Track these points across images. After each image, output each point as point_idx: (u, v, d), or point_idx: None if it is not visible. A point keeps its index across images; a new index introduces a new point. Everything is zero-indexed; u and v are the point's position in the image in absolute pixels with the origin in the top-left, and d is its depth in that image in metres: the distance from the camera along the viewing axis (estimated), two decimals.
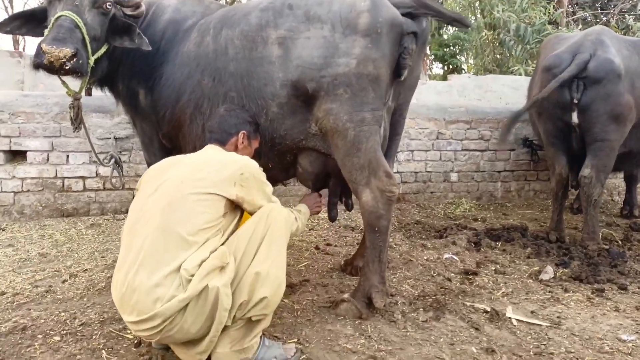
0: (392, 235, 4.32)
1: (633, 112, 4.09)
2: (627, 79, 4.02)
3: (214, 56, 2.69)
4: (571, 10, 10.50)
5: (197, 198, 1.97)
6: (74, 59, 2.41)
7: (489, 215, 5.40)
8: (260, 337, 2.11)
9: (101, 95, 3.38)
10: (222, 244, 2.02)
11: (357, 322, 2.54)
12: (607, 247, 4.04)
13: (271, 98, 2.59)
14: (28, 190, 4.71)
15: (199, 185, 1.99)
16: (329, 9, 2.54)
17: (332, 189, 3.04)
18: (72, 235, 4.23)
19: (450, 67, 11.91)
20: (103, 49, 2.74)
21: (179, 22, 2.94)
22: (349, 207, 3.18)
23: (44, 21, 2.65)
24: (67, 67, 2.40)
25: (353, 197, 3.11)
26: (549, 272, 3.40)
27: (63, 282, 3.11)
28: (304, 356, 2.19)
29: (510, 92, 7.01)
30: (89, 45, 2.57)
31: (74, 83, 2.76)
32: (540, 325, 2.58)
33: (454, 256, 3.72)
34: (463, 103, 6.50)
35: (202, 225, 1.95)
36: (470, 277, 3.31)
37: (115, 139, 4.87)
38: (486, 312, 2.70)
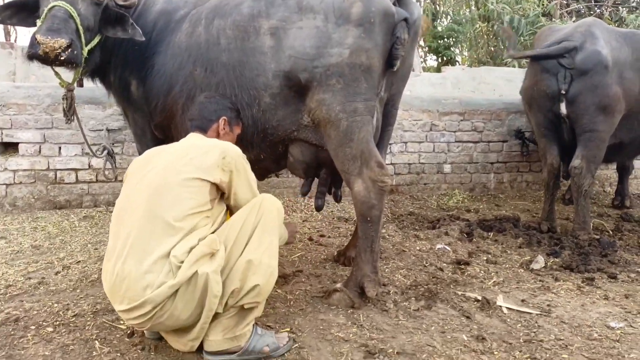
0: (386, 226, 4.34)
1: (622, 104, 4.12)
2: (615, 71, 4.04)
3: (206, 46, 2.68)
4: (565, 2, 10.50)
5: (181, 184, 1.98)
6: (69, 50, 2.39)
7: (481, 207, 5.43)
8: (253, 325, 2.12)
9: (93, 87, 3.35)
10: (213, 233, 2.03)
11: (349, 311, 2.56)
12: (597, 237, 4.08)
13: (263, 89, 2.59)
14: (20, 183, 4.69)
15: (183, 171, 2.00)
16: None
17: (323, 179, 3.04)
18: (65, 227, 4.22)
19: (445, 59, 11.89)
20: (96, 40, 2.72)
21: (170, 13, 2.92)
22: (338, 199, 3.18)
23: (36, 11, 2.62)
24: (62, 58, 2.38)
25: (342, 188, 3.12)
26: (540, 261, 3.43)
27: (56, 273, 3.10)
28: (297, 345, 2.20)
29: (504, 84, 7.04)
30: (82, 35, 2.55)
31: (67, 74, 2.74)
32: (531, 313, 2.61)
33: (446, 247, 3.75)
34: (457, 95, 6.51)
35: (189, 210, 1.95)
36: (462, 266, 3.33)
37: (108, 130, 4.84)
38: (477, 300, 2.73)
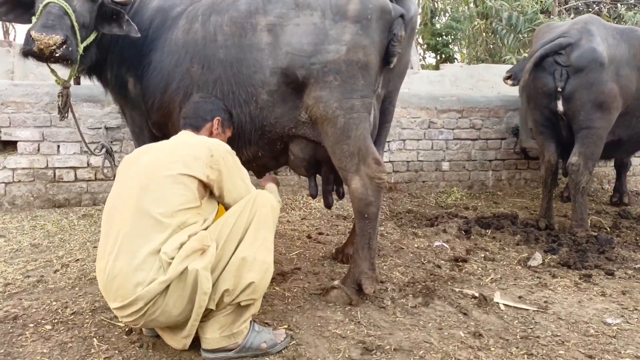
0: (384, 223, 4.35)
1: (618, 100, 4.11)
2: (611, 68, 4.04)
3: (203, 43, 2.67)
4: None
5: (170, 180, 1.98)
6: (64, 46, 2.39)
7: (480, 204, 5.43)
8: (250, 322, 2.12)
9: (91, 85, 3.34)
10: (205, 230, 2.02)
11: (347, 308, 2.56)
12: (595, 234, 4.08)
13: (261, 85, 2.58)
14: (19, 181, 4.68)
15: (171, 168, 2.00)
16: None
17: (325, 177, 3.04)
18: (63, 225, 4.21)
19: (443, 56, 11.88)
20: (92, 37, 2.72)
21: (167, 10, 2.91)
22: (340, 195, 3.19)
23: (32, 8, 2.61)
24: (56, 55, 2.38)
25: (344, 185, 3.12)
26: (537, 258, 3.43)
27: (55, 272, 3.10)
28: (294, 342, 2.21)
29: (502, 81, 7.01)
30: (78, 32, 2.54)
31: (63, 72, 2.74)
32: (528, 309, 2.61)
33: (444, 244, 3.75)
34: (455, 92, 6.51)
35: (177, 206, 1.95)
36: (460, 264, 3.34)
37: (107, 128, 4.84)
38: (474, 297, 2.73)
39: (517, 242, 3.89)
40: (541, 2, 9.23)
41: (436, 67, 9.70)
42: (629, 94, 4.17)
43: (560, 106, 4.13)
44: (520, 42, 8.68)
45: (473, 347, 2.19)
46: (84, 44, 2.63)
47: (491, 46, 9.90)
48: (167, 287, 1.86)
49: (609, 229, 4.40)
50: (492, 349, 2.18)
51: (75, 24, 2.52)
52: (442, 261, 3.39)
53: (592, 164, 4.18)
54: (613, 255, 3.56)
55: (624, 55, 4.13)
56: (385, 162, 5.60)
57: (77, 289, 2.83)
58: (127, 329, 2.29)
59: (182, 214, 1.96)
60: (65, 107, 2.86)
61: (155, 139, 3.05)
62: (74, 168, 4.83)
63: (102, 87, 3.23)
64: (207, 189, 2.09)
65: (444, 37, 11.80)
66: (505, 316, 2.53)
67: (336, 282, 2.70)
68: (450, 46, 12.13)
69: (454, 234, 4.03)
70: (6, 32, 14.16)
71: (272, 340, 2.12)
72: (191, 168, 2.01)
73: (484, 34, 9.83)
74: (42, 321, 2.39)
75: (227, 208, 2.17)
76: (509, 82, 5.25)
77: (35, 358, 2.07)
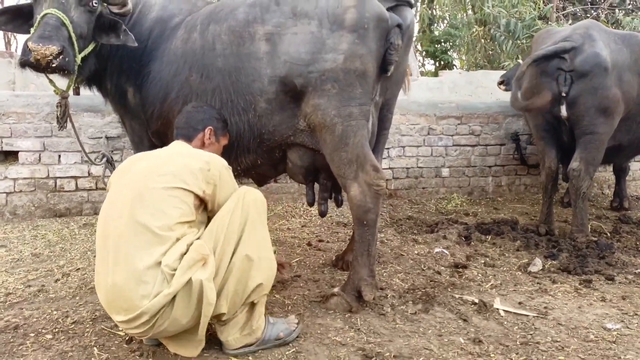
0: (384, 230, 4.35)
1: (621, 106, 4.12)
2: (614, 73, 4.05)
3: (202, 52, 2.69)
4: (561, 5, 10.55)
5: (165, 193, 1.97)
6: (60, 57, 2.41)
7: (480, 210, 5.43)
8: (265, 315, 2.20)
9: (91, 95, 3.37)
10: (200, 236, 2.04)
11: (347, 315, 2.56)
12: (595, 239, 4.08)
13: (259, 94, 2.60)
14: (20, 191, 4.70)
15: (167, 180, 2.00)
16: (316, 5, 2.55)
17: (323, 184, 3.06)
18: (64, 235, 4.22)
19: (442, 63, 11.94)
20: (90, 47, 2.74)
21: (165, 20, 2.94)
22: (339, 203, 3.20)
23: (31, 18, 2.64)
24: (53, 65, 2.40)
25: (343, 192, 3.13)
26: (537, 264, 3.43)
27: (56, 281, 3.11)
28: (294, 349, 2.21)
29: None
30: (75, 43, 2.56)
31: (62, 82, 2.76)
32: (527, 315, 2.61)
33: (444, 250, 3.75)
34: (454, 99, 6.53)
35: (175, 220, 1.96)
36: (460, 270, 3.34)
37: (107, 138, 4.86)
38: (474, 303, 2.73)
39: (517, 248, 3.89)
40: (539, 8, 9.28)
41: (435, 74, 9.74)
42: (631, 99, 4.18)
43: (564, 111, 4.12)
44: (518, 48, 8.71)
45: (473, 353, 2.19)
46: (82, 54, 2.65)
47: (490, 52, 9.94)
48: (173, 298, 1.87)
49: (609, 234, 4.40)
50: (492, 355, 2.18)
51: (73, 35, 2.54)
52: (442, 267, 3.40)
53: (593, 170, 4.18)
54: (613, 260, 3.56)
55: (625, 61, 4.14)
56: (384, 168, 5.62)
57: (77, 298, 2.83)
58: (127, 338, 2.29)
59: (180, 227, 1.97)
60: (63, 117, 2.88)
61: (155, 148, 3.08)
62: (75, 177, 4.85)
63: (102, 97, 3.26)
64: (201, 203, 2.09)
65: (443, 44, 11.87)
66: (505, 322, 2.53)
67: (336, 289, 2.70)
68: (449, 53, 12.19)
69: (454, 240, 4.03)
70: (8, 43, 14.26)
71: (288, 329, 2.23)
72: (187, 182, 2.01)
73: (482, 40, 9.88)
74: (43, 330, 2.39)
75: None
76: (502, 87, 5.29)
77: None
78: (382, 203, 5.20)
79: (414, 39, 6.68)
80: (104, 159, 3.99)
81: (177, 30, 2.85)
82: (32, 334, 2.35)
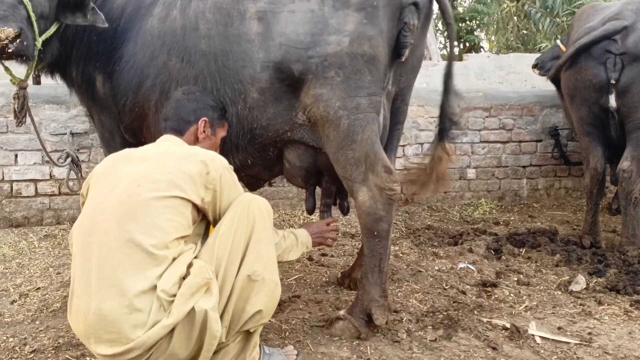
0: (399, 242, 4.36)
1: None
2: None
3: (182, 33, 2.71)
4: None
5: (159, 204, 1.96)
6: (18, 40, 2.41)
7: (512, 218, 5.44)
8: (259, 345, 2.20)
9: (54, 84, 3.39)
10: (198, 254, 2.04)
11: (354, 342, 2.57)
12: None
13: (250, 82, 2.61)
14: None
15: (160, 188, 1.98)
16: None
17: (327, 189, 3.06)
18: (22, 248, 4.25)
19: (467, 45, 11.91)
20: (53, 29, 2.75)
21: None
22: (345, 210, 3.20)
23: None
24: (9, 50, 2.40)
25: (350, 198, 3.14)
26: (580, 282, 3.43)
27: (12, 303, 3.13)
28: None
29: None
30: (35, 24, 2.57)
31: (20, 69, 2.77)
32: (568, 343, 2.61)
33: (470, 266, 3.76)
34: (481, 87, 6.54)
35: (172, 235, 1.95)
36: (489, 289, 3.34)
37: (72, 134, 4.89)
38: (505, 329, 2.73)
39: (557, 263, 3.89)
40: None
41: (459, 58, 9.73)
42: None
43: (613, 101, 4.10)
44: (557, 27, 8.71)
45: None
46: (43, 37, 2.66)
47: (524, 32, 9.94)
48: (172, 330, 1.86)
49: None
50: None
51: (32, 15, 2.54)
52: (468, 286, 3.40)
53: None
54: None
55: None
56: (398, 169, 5.62)
57: (37, 322, 2.85)
58: None
59: (177, 243, 1.97)
60: (22, 110, 2.90)
61: (127, 145, 3.09)
62: (34, 181, 4.88)
63: (67, 87, 3.27)
64: (200, 213, 2.10)
65: (468, 22, 11.84)
66: (542, 351, 2.53)
67: (342, 312, 2.70)
68: (476, 33, 12.16)
69: (481, 254, 4.03)
70: None
71: None
72: (184, 189, 2.00)
73: (515, 18, 9.88)
74: None
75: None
76: (537, 71, 5.29)
77: None
78: (397, 210, 5.20)
79: (434, 17, 6.68)
80: (69, 159, 4.02)
81: (153, 7, 2.86)
82: None
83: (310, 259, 3.99)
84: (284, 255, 2.42)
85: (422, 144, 5.85)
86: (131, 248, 1.89)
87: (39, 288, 3.37)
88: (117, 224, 1.93)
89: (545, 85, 6.34)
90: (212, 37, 2.65)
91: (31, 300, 3.17)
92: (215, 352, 2.05)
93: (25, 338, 2.63)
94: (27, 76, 2.82)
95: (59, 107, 4.88)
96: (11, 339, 2.62)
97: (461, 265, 3.78)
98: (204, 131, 2.43)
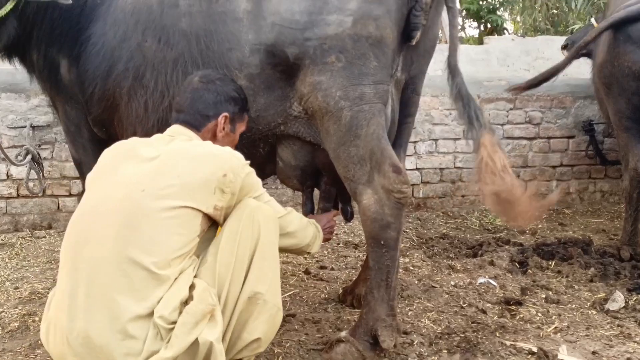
0: (409, 253, 4.36)
1: None
2: None
3: (159, 10, 2.71)
4: None
5: (164, 215, 1.96)
6: None
7: (540, 226, 5.44)
8: None
9: (12, 69, 3.39)
10: (197, 272, 2.05)
11: None
12: None
13: (238, 67, 2.61)
14: None
15: (165, 195, 1.98)
16: None
17: (326, 191, 3.06)
18: None
19: (489, 26, 11.94)
20: (9, 6, 2.74)
21: None
22: (348, 216, 3.20)
23: None
24: None
25: (353, 202, 3.14)
26: (618, 299, 3.43)
27: None
28: None
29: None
30: None
31: None
32: None
33: (491, 281, 3.76)
34: (505, 74, 6.53)
35: (176, 252, 1.96)
36: (513, 307, 3.34)
37: (33, 127, 4.89)
38: (532, 353, 2.73)
39: (591, 278, 3.89)
40: None
41: (479, 41, 9.74)
42: None
43: None
44: (593, 6, 8.73)
45: None
46: None
47: (554, 12, 9.96)
48: None
49: None
50: None
51: None
52: (489, 304, 3.40)
53: None
54: None
55: None
56: (409, 170, 5.63)
57: None
58: None
59: (180, 261, 1.98)
60: None
61: (96, 140, 3.10)
62: None
63: (27, 73, 3.28)
64: (210, 221, 2.11)
65: (490, 0, 11.88)
66: None
67: (343, 334, 2.69)
68: (499, 12, 12.19)
69: (504, 267, 4.03)
70: None
71: None
72: (195, 198, 2.00)
73: None
74: None
75: None
76: (566, 53, 5.30)
77: None
78: (407, 216, 5.19)
79: None
80: (28, 157, 4.00)
81: None
82: None
83: (307, 272, 3.99)
84: (311, 247, 2.57)
85: (436, 139, 5.86)
86: (129, 265, 1.90)
87: None
88: (114, 234, 1.94)
89: (578, 73, 6.35)
90: (194, 15, 2.65)
91: None
92: None
93: None
94: None
95: (17, 97, 4.89)
96: None
97: (481, 280, 3.78)
98: (223, 128, 2.40)
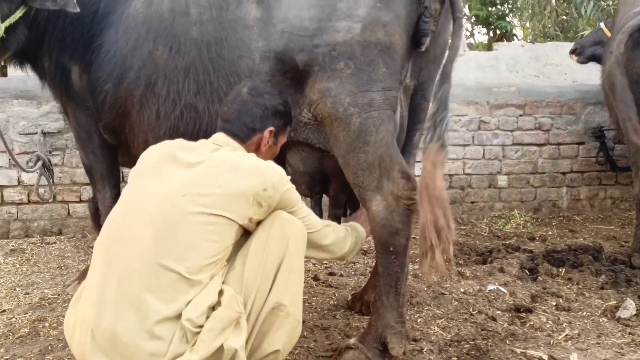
0: (418, 260, 4.34)
1: None
2: None
3: (171, 18, 2.73)
4: None
5: (202, 220, 1.99)
6: None
7: (550, 233, 5.42)
8: None
9: (24, 76, 3.41)
10: (225, 278, 2.06)
11: None
12: None
13: (248, 74, 2.62)
14: None
15: (205, 203, 2.00)
16: None
17: (334, 197, 3.06)
18: None
19: (498, 32, 11.94)
20: (18, 13, 2.76)
21: None
22: None
23: None
24: None
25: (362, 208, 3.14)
26: (629, 307, 3.40)
27: None
28: None
29: (578, 65, 7.00)
30: None
31: None
32: None
33: (501, 288, 3.75)
34: (514, 80, 6.53)
35: (208, 259, 1.98)
36: (523, 315, 3.33)
37: (44, 134, 4.91)
38: None
39: (602, 286, 3.86)
40: None
41: (489, 47, 9.75)
42: None
43: None
44: (602, 11, 8.70)
45: None
46: (6, 23, 2.66)
47: (563, 18, 9.94)
48: None
49: None
50: None
51: None
52: (499, 311, 3.39)
53: None
54: None
55: None
56: (418, 176, 5.61)
57: (2, 350, 2.85)
58: None
59: (210, 268, 2.00)
60: None
61: (107, 147, 3.11)
62: (0, 187, 4.90)
63: (38, 80, 3.30)
64: (243, 230, 2.12)
65: (499, 6, 11.88)
66: None
67: (352, 341, 2.69)
68: (508, 19, 12.18)
69: (514, 274, 4.02)
70: None
71: None
72: (232, 210, 2.02)
73: (553, 1, 9.89)
74: None
75: None
76: (575, 57, 5.29)
77: None
78: (415, 222, 5.18)
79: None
80: (39, 163, 4.02)
81: None
82: None
83: (315, 278, 3.99)
84: (355, 250, 2.60)
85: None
86: (163, 267, 1.93)
87: (4, 310, 3.37)
88: (151, 236, 1.97)
89: (588, 79, 6.35)
90: (204, 23, 2.67)
91: None
92: None
93: None
94: None
95: (28, 103, 4.91)
96: None
97: (491, 287, 3.77)
98: (268, 142, 2.42)
